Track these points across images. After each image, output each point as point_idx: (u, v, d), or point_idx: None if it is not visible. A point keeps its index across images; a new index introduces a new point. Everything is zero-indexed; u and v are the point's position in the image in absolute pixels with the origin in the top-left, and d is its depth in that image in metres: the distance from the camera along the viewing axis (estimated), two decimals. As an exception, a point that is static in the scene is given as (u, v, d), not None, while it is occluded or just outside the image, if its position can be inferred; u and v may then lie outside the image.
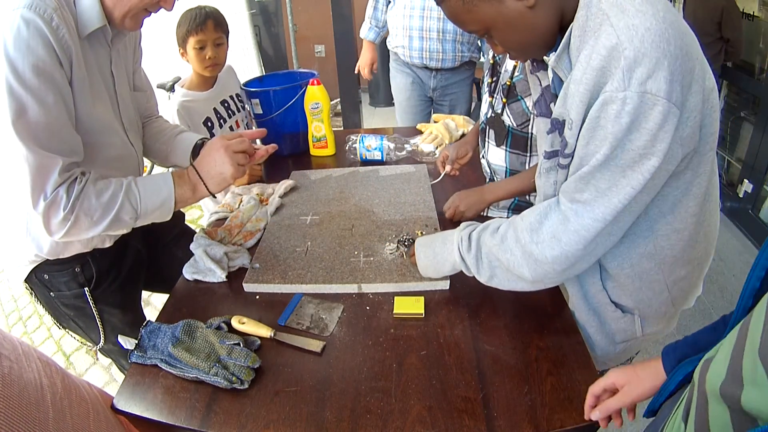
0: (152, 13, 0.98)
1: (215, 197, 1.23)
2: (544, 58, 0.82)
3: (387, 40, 2.38)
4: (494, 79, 1.23)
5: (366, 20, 2.41)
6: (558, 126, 0.79)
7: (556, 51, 0.76)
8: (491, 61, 1.24)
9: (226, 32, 1.60)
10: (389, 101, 4.58)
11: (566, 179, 0.80)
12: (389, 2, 2.27)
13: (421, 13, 2.08)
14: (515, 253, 0.83)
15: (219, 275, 1.11)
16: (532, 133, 1.18)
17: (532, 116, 1.15)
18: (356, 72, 2.56)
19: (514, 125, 1.19)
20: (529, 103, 1.14)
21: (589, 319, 0.94)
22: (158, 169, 3.57)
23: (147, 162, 1.45)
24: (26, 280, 1.11)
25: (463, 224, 0.96)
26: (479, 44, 2.24)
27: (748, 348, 0.41)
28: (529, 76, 0.96)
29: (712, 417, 0.43)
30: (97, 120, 0.98)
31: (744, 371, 0.40)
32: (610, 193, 0.71)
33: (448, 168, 1.41)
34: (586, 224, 0.75)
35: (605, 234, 0.76)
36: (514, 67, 1.15)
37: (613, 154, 0.69)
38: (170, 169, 1.04)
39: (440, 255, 0.96)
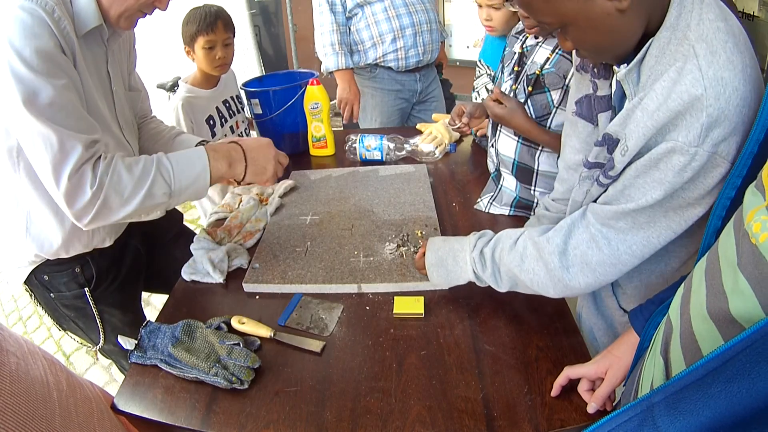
0: (147, 15, 0.98)
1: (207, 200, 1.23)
2: (614, 68, 0.78)
3: (354, 61, 2.15)
4: (520, 68, 1.23)
5: (331, 49, 2.08)
6: (610, 143, 0.76)
7: (627, 64, 0.72)
8: (519, 51, 1.24)
9: (234, 33, 1.61)
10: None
11: (599, 194, 0.79)
12: (349, 19, 2.09)
13: (407, 9, 2.05)
14: (539, 273, 0.82)
15: (216, 278, 1.11)
16: (549, 127, 1.17)
17: (554, 110, 1.15)
18: (340, 111, 2.20)
19: (534, 116, 1.19)
20: (554, 96, 1.14)
21: (597, 321, 0.95)
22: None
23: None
24: (26, 282, 1.11)
25: (472, 237, 0.94)
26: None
27: (723, 265, 0.44)
28: (576, 74, 0.93)
29: (699, 336, 0.46)
30: (95, 117, 0.98)
31: (725, 286, 0.43)
32: (648, 228, 0.71)
33: (464, 120, 1.42)
34: (623, 259, 0.74)
35: (638, 266, 0.77)
36: (547, 59, 1.14)
37: (663, 199, 0.69)
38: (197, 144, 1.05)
39: (453, 273, 0.95)
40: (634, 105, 0.70)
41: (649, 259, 0.82)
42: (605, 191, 0.77)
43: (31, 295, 1.14)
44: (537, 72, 1.16)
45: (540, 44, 1.18)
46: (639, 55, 0.70)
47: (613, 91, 0.82)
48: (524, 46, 1.23)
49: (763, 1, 2.89)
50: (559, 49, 1.12)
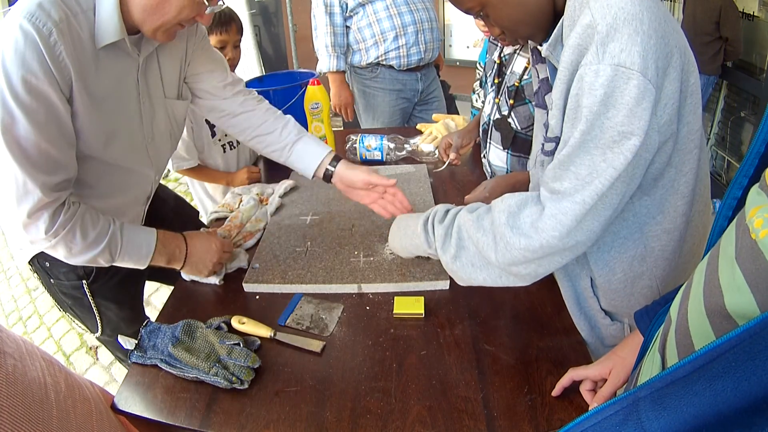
0: (186, 27, 0.95)
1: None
2: (539, 48, 0.82)
3: (355, 60, 2.18)
4: (500, 79, 1.23)
5: (324, 50, 2.12)
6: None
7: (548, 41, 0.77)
8: (497, 61, 1.24)
9: (242, 35, 1.61)
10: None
11: None
12: (346, 19, 2.10)
13: (408, 7, 2.06)
14: (487, 233, 0.80)
15: (214, 280, 1.11)
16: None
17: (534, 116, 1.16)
18: (335, 112, 2.24)
19: (519, 128, 1.19)
20: None
21: (580, 322, 0.94)
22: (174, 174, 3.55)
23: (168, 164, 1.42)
24: (30, 263, 1.12)
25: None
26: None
27: (722, 261, 0.44)
28: (532, 69, 0.96)
29: (693, 332, 0.46)
30: (106, 134, 0.96)
31: (721, 281, 0.43)
32: (592, 180, 0.69)
33: (452, 155, 1.41)
34: (563, 207, 0.71)
35: (583, 226, 0.73)
36: (525, 69, 1.14)
37: (590, 133, 0.68)
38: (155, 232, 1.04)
39: (410, 228, 0.94)
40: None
41: (625, 244, 0.82)
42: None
43: (34, 274, 1.16)
44: (516, 83, 1.16)
45: (517, 52, 1.17)
46: (556, 31, 0.75)
47: (548, 72, 0.85)
48: (502, 55, 1.23)
49: (763, 1, 2.89)
50: None
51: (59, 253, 0.93)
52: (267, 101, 1.25)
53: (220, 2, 0.95)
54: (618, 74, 0.64)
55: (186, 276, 1.13)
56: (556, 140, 0.77)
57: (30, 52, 0.79)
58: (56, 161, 0.88)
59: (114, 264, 1.00)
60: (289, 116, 1.23)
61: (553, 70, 0.81)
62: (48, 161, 0.86)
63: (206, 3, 0.90)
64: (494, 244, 0.79)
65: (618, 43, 0.64)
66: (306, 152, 1.18)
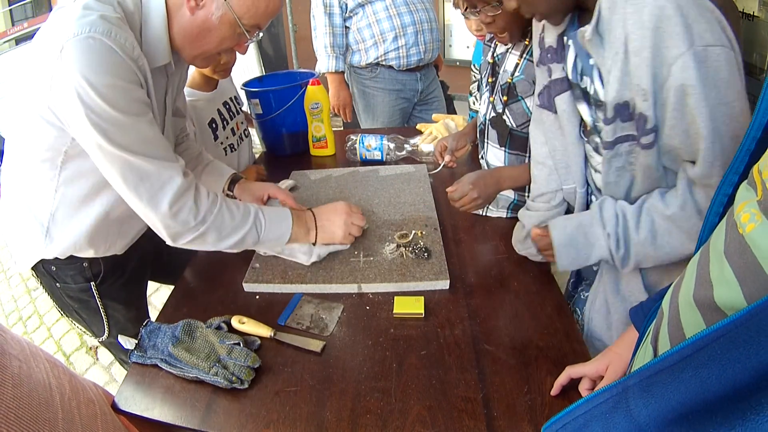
0: (224, 56, 0.98)
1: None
2: (582, 32, 0.81)
3: (354, 60, 2.18)
4: (494, 78, 1.23)
5: (323, 51, 2.13)
6: (621, 110, 0.78)
7: (575, 26, 0.78)
8: (491, 61, 1.24)
9: None
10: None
11: (656, 159, 0.79)
12: (346, 20, 2.10)
13: (407, 8, 2.06)
14: (674, 245, 0.81)
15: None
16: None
17: (532, 117, 1.15)
18: (335, 112, 2.25)
19: (514, 125, 1.19)
20: (529, 103, 1.14)
21: (615, 302, 0.95)
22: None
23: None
24: (33, 268, 1.12)
25: (596, 208, 0.89)
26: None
27: (712, 256, 0.45)
28: (537, 68, 0.96)
29: (685, 324, 0.47)
30: None
31: (711, 274, 0.44)
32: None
33: (447, 158, 1.41)
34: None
35: None
36: (516, 66, 1.15)
37: (716, 120, 0.69)
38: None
39: (583, 252, 0.90)
40: (618, 60, 0.74)
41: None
42: (656, 150, 0.78)
43: (37, 280, 1.15)
44: (509, 80, 1.16)
45: (509, 50, 1.17)
46: (595, 16, 0.75)
47: (569, 69, 0.85)
48: (495, 55, 1.23)
49: (763, 1, 2.88)
50: (527, 54, 1.12)
51: (207, 240, 0.95)
52: (192, 139, 1.35)
53: (259, 33, 0.96)
54: (709, 55, 0.67)
55: (263, 250, 1.14)
56: (655, 129, 0.76)
57: (124, 72, 0.81)
58: (168, 147, 0.90)
59: (258, 245, 1.04)
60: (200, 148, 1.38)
61: (585, 57, 0.81)
62: (167, 149, 0.89)
63: (247, 35, 0.92)
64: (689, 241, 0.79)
65: (697, 24, 0.66)
66: (216, 169, 1.31)
